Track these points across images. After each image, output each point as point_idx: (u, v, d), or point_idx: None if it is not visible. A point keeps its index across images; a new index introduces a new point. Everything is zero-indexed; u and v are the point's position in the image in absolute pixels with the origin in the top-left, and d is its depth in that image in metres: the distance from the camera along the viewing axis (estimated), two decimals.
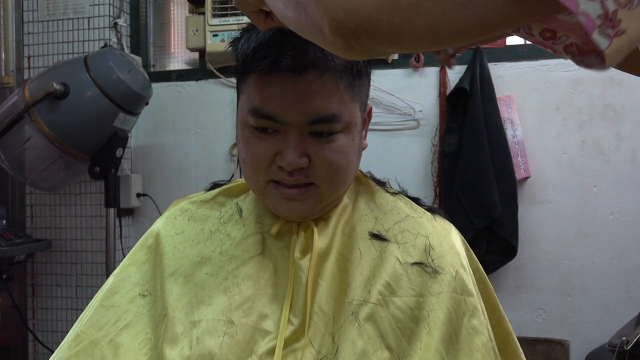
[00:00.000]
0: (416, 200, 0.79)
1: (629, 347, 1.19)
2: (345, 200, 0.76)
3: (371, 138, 0.77)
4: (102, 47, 2.03)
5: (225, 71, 2.17)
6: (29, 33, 2.22)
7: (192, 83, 2.24)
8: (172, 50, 2.40)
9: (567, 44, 0.38)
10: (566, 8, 0.31)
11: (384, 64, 2.05)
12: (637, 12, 0.31)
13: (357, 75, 0.67)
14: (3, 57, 2.20)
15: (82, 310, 0.75)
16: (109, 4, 2.16)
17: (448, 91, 1.99)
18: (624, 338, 1.23)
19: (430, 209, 0.77)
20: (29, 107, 1.70)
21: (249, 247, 0.72)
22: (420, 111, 2.03)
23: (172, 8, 2.39)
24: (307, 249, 0.70)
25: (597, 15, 0.31)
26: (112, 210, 1.93)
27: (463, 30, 0.35)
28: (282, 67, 0.62)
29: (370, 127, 0.77)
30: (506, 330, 0.75)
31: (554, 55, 0.43)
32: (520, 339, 0.78)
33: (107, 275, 1.22)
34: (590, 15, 0.31)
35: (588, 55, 0.36)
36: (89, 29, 2.17)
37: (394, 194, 0.78)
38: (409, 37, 0.35)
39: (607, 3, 0.31)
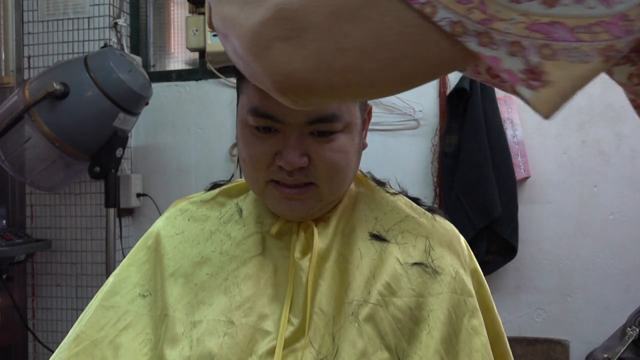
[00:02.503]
0: (416, 201, 0.79)
1: None
2: (345, 200, 0.76)
3: (371, 138, 0.77)
4: (102, 47, 2.03)
5: (225, 71, 2.17)
6: (29, 33, 2.22)
7: (192, 83, 2.24)
8: (172, 50, 2.39)
9: None
10: (489, 66, 0.31)
11: None
12: (563, 63, 0.31)
13: None
14: (3, 57, 2.20)
15: (82, 310, 0.75)
16: (109, 4, 2.16)
17: (448, 91, 1.99)
18: (605, 355, 1.21)
19: (430, 209, 0.77)
20: (29, 107, 1.70)
21: (249, 247, 0.72)
22: (420, 111, 2.03)
23: (172, 8, 2.39)
24: (307, 249, 0.70)
25: (519, 70, 0.31)
26: (112, 210, 1.93)
27: (405, 80, 0.35)
28: None
29: (370, 127, 0.77)
30: (497, 333, 0.74)
31: None
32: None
33: (107, 275, 1.21)
34: (513, 71, 0.31)
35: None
36: (89, 29, 2.17)
37: (394, 194, 0.78)
38: (349, 93, 0.36)
39: (530, 57, 0.30)
